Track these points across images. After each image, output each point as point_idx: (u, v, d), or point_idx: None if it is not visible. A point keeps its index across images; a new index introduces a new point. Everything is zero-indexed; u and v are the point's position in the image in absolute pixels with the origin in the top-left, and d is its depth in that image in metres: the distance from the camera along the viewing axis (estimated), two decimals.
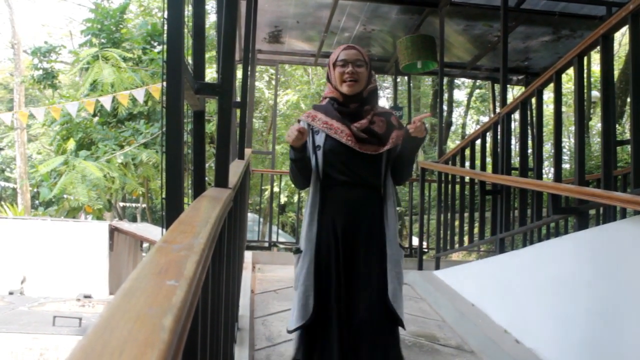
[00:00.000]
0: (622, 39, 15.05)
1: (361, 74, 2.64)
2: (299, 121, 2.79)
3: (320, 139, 2.68)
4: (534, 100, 4.66)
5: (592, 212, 5.87)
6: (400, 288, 2.59)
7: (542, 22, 7.62)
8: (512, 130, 5.60)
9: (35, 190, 14.89)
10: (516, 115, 4.99)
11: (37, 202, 18.90)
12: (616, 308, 2.91)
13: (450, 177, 5.90)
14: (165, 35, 1.70)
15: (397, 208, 2.76)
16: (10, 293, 8.57)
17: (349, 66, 2.63)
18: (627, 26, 3.33)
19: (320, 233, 2.62)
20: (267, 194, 10.24)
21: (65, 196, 11.26)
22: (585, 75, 4.17)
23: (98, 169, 10.69)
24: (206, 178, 2.27)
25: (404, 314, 2.58)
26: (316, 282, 2.57)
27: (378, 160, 2.67)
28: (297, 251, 2.69)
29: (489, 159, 8.22)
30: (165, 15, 1.69)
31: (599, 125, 3.84)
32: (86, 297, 8.37)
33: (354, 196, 2.65)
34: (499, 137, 5.17)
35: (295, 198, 13.27)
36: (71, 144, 12.01)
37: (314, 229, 2.63)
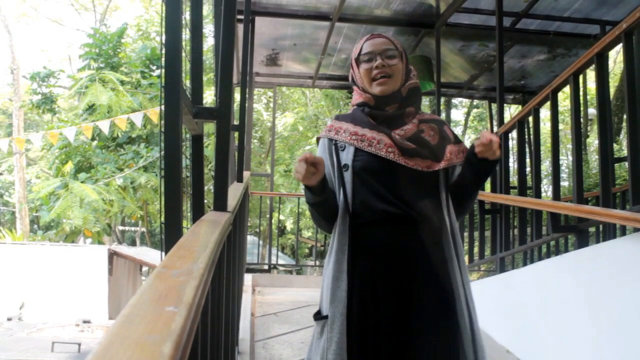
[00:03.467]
0: (616, 56, 15.15)
1: (394, 66, 1.93)
2: (317, 140, 2.09)
3: (347, 156, 1.91)
4: (531, 119, 4.68)
5: (592, 229, 5.87)
6: None
7: (537, 41, 7.69)
8: (510, 149, 5.61)
9: (34, 214, 14.89)
10: (514, 134, 5.01)
11: (35, 226, 18.89)
12: (618, 325, 2.89)
13: None
14: (163, 60, 1.71)
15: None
16: (9, 319, 8.52)
17: (377, 59, 1.93)
18: (621, 44, 3.36)
19: (352, 292, 1.81)
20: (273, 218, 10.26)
21: (64, 220, 11.26)
22: (581, 93, 4.20)
23: (96, 192, 10.70)
24: (205, 201, 2.26)
25: None
26: None
27: (434, 181, 1.88)
28: (320, 317, 1.87)
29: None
30: (163, 40, 1.70)
31: (597, 142, 3.86)
32: (85, 322, 8.33)
33: (406, 236, 1.83)
34: None
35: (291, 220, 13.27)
36: (69, 167, 12.05)
37: (343, 285, 1.80)
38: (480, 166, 1.83)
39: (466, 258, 5.86)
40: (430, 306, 1.76)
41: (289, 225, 15.31)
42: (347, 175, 1.89)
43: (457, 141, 1.97)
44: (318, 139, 2.08)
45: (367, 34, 2.05)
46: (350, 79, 2.08)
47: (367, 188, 1.87)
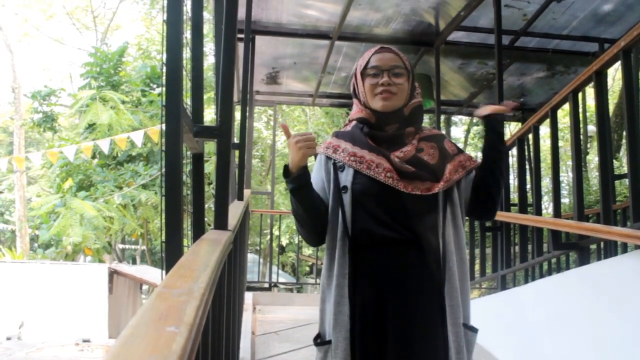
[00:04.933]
0: (615, 73, 15.21)
1: (400, 85, 1.90)
2: (315, 156, 2.02)
3: (346, 178, 1.88)
4: (530, 136, 4.70)
5: (593, 246, 5.85)
6: None
7: (536, 59, 7.73)
8: (510, 166, 5.61)
9: (34, 233, 14.88)
10: (514, 152, 5.02)
11: (35, 244, 18.85)
12: (620, 343, 2.87)
13: None
14: (164, 79, 1.71)
15: None
16: (8, 338, 8.46)
17: (383, 75, 1.89)
18: (619, 62, 3.38)
19: (353, 316, 1.80)
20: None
21: (63, 238, 11.24)
22: (580, 110, 4.22)
23: (95, 209, 10.69)
24: (205, 219, 2.26)
25: None
26: None
27: (433, 203, 1.85)
28: (322, 342, 1.86)
29: None
30: (164, 59, 1.71)
31: (597, 159, 3.87)
32: (85, 341, 8.28)
33: (405, 259, 1.82)
34: None
35: (296, 239, 13.25)
36: (69, 183, 12.06)
37: (345, 310, 1.80)
38: (492, 136, 1.93)
39: None
40: (428, 328, 1.77)
41: (285, 241, 15.29)
42: (346, 198, 1.86)
43: (459, 152, 1.96)
44: (315, 155, 2.02)
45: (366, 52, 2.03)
46: (351, 89, 2.03)
47: (366, 212, 1.85)
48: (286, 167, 1.83)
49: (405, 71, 1.92)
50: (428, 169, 1.86)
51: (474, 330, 1.87)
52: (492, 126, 1.95)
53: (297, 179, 1.82)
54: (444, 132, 16.58)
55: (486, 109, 1.94)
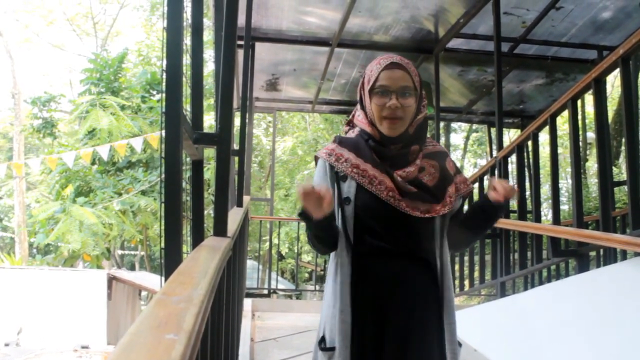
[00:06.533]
0: (614, 80, 15.24)
1: (408, 108, 1.83)
2: (316, 159, 2.00)
3: (349, 189, 1.87)
4: (530, 143, 4.70)
5: (593, 253, 5.85)
6: None
7: (535, 66, 7.75)
8: (510, 173, 5.61)
9: (33, 239, 14.86)
10: (513, 158, 5.03)
11: (34, 250, 18.81)
12: (619, 351, 2.87)
13: None
14: (164, 85, 1.71)
15: None
16: (6, 344, 8.44)
17: (392, 97, 1.81)
18: (618, 69, 3.38)
19: (354, 322, 1.83)
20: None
21: (61, 244, 11.22)
22: (579, 117, 4.23)
23: (95, 215, 10.68)
24: (205, 225, 2.25)
25: None
26: None
27: (431, 224, 1.86)
28: (327, 348, 1.86)
29: None
30: (164, 66, 1.71)
31: (596, 166, 3.88)
32: (83, 347, 8.26)
33: (403, 275, 1.86)
34: None
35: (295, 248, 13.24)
36: (68, 190, 12.05)
37: (348, 319, 1.82)
38: (491, 208, 1.87)
39: (467, 283, 5.83)
40: (425, 343, 1.82)
41: (284, 249, 15.27)
42: (349, 209, 1.86)
43: (457, 172, 1.97)
44: (316, 158, 2.00)
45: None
46: (358, 97, 1.98)
47: (367, 226, 1.86)
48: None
49: (415, 91, 1.86)
50: (429, 191, 1.86)
51: (460, 344, 1.92)
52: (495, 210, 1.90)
53: (319, 223, 1.79)
54: (443, 139, 16.57)
55: (500, 196, 1.83)
